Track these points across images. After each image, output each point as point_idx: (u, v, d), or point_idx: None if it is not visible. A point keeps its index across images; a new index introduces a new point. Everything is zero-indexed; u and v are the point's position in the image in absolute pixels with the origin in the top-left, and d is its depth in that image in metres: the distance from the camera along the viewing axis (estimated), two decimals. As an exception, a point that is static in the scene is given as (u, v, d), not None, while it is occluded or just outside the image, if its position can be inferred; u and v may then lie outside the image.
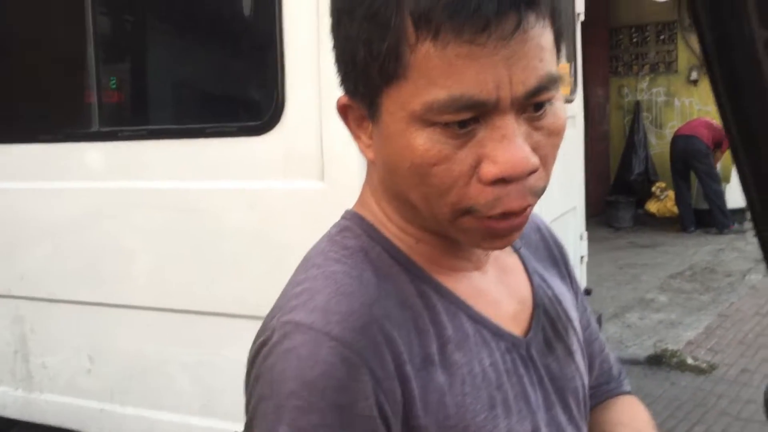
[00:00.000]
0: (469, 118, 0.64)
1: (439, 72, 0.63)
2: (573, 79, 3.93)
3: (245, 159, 2.45)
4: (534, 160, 0.66)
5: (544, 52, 0.65)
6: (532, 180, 0.67)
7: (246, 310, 2.33)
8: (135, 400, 2.77)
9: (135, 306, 2.71)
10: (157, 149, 2.62)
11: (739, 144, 0.60)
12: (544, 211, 3.36)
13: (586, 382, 0.90)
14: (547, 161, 0.69)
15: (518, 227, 0.70)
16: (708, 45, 0.56)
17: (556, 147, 0.70)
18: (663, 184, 9.21)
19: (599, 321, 3.87)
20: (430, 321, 0.73)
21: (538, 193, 0.69)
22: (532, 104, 0.66)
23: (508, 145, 0.65)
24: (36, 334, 2.98)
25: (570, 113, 3.89)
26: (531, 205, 0.69)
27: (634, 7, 9.48)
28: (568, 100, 3.83)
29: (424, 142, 0.66)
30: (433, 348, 0.72)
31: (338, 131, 0.81)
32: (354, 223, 0.79)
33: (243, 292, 2.45)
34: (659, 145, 9.58)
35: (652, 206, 9.32)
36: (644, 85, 9.73)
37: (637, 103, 9.79)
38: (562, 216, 3.73)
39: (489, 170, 0.65)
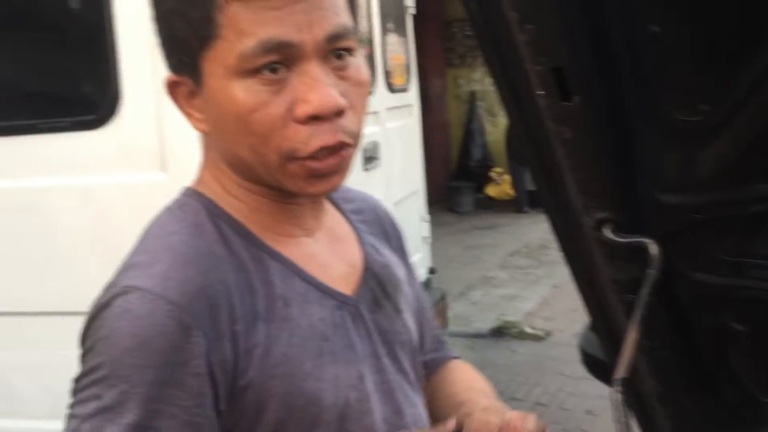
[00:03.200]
0: (278, 60, 0.75)
1: (247, 24, 0.74)
2: (407, 70, 4.10)
3: (80, 154, 2.40)
4: (341, 100, 0.77)
5: (337, 7, 0.78)
6: (344, 121, 0.78)
7: (85, 307, 2.29)
8: (-24, 410, 2.63)
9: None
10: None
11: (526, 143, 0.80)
12: (387, 194, 3.54)
13: (415, 337, 1.00)
14: (357, 108, 0.81)
15: (337, 168, 0.80)
16: (493, 66, 0.77)
17: (362, 97, 0.82)
18: (500, 170, 9.73)
19: (444, 299, 4.08)
20: (261, 282, 0.81)
21: (352, 134, 0.79)
22: (333, 51, 0.78)
23: (317, 86, 0.76)
24: None
25: (406, 102, 4.06)
26: (346, 144, 0.79)
27: (466, 1, 9.94)
28: (403, 90, 4.00)
29: (242, 92, 0.76)
30: (262, 306, 0.80)
31: (180, 120, 0.87)
32: (193, 198, 0.85)
33: (80, 289, 2.39)
34: (494, 133, 10.09)
35: (491, 190, 9.82)
36: (478, 75, 10.22)
37: (473, 93, 10.26)
38: (404, 200, 3.89)
39: (302, 109, 0.76)
